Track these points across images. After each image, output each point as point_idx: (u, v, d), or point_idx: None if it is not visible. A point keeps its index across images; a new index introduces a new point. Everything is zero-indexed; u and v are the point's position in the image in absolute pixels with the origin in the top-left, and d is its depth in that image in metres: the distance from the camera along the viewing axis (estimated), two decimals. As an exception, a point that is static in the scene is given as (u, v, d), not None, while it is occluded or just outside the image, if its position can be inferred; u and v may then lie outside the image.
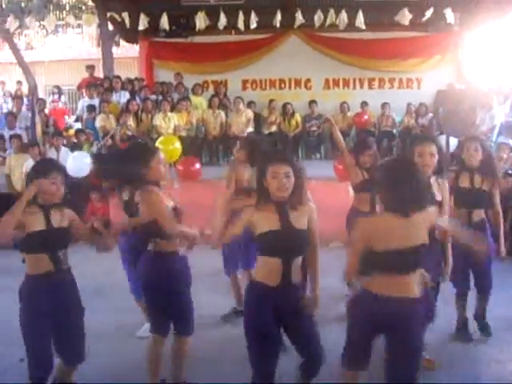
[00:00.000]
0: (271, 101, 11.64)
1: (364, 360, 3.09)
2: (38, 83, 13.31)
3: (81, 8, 15.43)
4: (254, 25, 11.38)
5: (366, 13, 11.24)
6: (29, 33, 18.71)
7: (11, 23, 11.44)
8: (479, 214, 4.43)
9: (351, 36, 12.03)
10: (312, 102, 11.70)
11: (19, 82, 14.60)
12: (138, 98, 11.13)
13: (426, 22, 11.87)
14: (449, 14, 11.20)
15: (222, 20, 11.33)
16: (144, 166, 3.57)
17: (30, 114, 10.33)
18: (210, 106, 11.10)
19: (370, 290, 2.98)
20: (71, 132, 10.48)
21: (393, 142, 10.91)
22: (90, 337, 3.60)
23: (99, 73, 13.95)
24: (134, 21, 11.48)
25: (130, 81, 12.11)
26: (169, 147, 8.23)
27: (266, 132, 11.39)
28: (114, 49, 14.58)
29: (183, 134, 10.24)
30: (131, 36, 13.46)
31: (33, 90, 11.84)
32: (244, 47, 12.52)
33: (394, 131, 11.29)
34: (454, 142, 7.91)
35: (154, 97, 11.30)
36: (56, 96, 14.34)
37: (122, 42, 15.79)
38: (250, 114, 10.98)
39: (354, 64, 12.60)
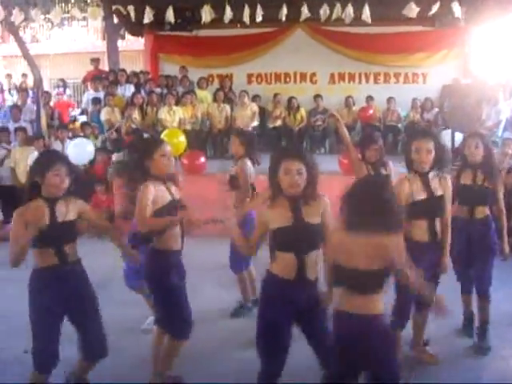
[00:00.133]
0: (276, 95, 11.62)
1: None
2: (43, 76, 13.28)
3: (86, 1, 15.37)
4: (259, 18, 11.32)
5: (373, 7, 11.17)
6: (34, 26, 18.74)
7: (17, 16, 11.40)
8: (482, 211, 4.38)
9: (357, 30, 11.97)
10: (317, 97, 11.67)
11: (24, 75, 14.61)
12: (142, 92, 11.13)
13: (432, 16, 11.80)
14: (456, 8, 11.12)
15: (228, 13, 11.28)
16: (147, 158, 3.57)
17: (35, 107, 10.33)
18: (215, 99, 11.08)
19: (337, 307, 2.95)
20: (77, 125, 10.48)
21: (398, 137, 10.87)
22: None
23: (104, 66, 13.96)
24: (140, 14, 11.44)
25: (135, 74, 12.11)
26: (173, 141, 8.23)
27: (271, 126, 11.39)
28: (119, 42, 14.60)
29: (188, 127, 10.23)
30: (136, 29, 13.43)
31: (38, 82, 11.84)
32: (249, 41, 12.48)
33: (400, 126, 11.27)
34: (459, 137, 7.87)
35: (158, 90, 11.29)
36: (61, 89, 14.35)
37: (127, 36, 15.79)
38: (255, 107, 10.96)
39: (360, 58, 12.55)
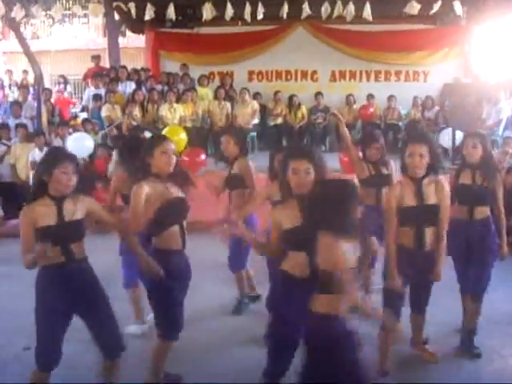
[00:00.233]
0: (277, 92, 11.62)
1: None
2: (43, 73, 13.24)
3: (87, -3, 15.37)
4: (260, 16, 11.32)
5: (374, 5, 11.16)
6: (35, 22, 18.70)
7: (17, 12, 11.39)
8: (482, 212, 4.29)
9: (358, 28, 11.96)
10: (318, 94, 11.67)
11: (25, 72, 14.60)
12: (143, 89, 11.12)
13: (433, 14, 11.80)
14: (457, 7, 11.11)
15: (229, 11, 11.28)
16: (148, 154, 3.56)
17: (35, 104, 10.33)
18: (215, 97, 11.07)
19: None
20: (79, 121, 10.47)
21: (398, 135, 10.86)
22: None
23: (105, 63, 13.95)
24: (141, 11, 11.44)
25: (136, 71, 12.09)
26: (174, 138, 8.21)
27: (272, 124, 11.39)
28: (120, 39, 14.56)
29: (189, 124, 10.23)
30: (137, 26, 13.43)
31: (38, 79, 11.82)
32: (250, 38, 12.48)
33: (400, 124, 11.27)
34: (460, 135, 7.87)
35: (159, 87, 11.29)
36: (62, 86, 14.34)
37: (128, 33, 15.74)
38: (255, 105, 10.96)
39: (361, 56, 12.54)
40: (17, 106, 10.51)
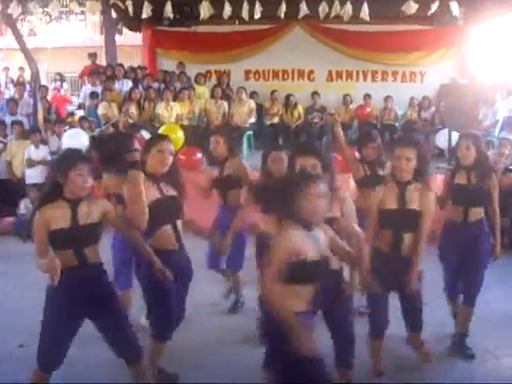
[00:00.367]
0: (274, 92, 11.62)
1: None
2: (40, 70, 13.22)
3: (84, -5, 15.33)
4: (258, 15, 11.30)
5: (371, 5, 11.15)
6: (32, 19, 18.61)
7: (14, 9, 11.34)
8: (476, 213, 4.26)
9: (355, 28, 11.94)
10: (315, 94, 11.67)
11: (21, 69, 14.57)
12: (140, 87, 11.11)
13: (431, 15, 11.81)
14: (454, 8, 11.12)
15: (227, 9, 11.25)
16: (145, 152, 3.55)
17: (31, 101, 10.32)
18: (212, 95, 11.06)
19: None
20: (76, 118, 10.46)
21: (395, 136, 10.88)
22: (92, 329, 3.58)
23: (102, 61, 13.92)
24: (138, 9, 11.40)
25: (133, 69, 12.07)
26: (171, 136, 8.18)
27: (268, 123, 11.40)
28: (117, 37, 14.56)
29: (185, 123, 10.22)
30: (134, 24, 13.37)
31: (35, 76, 11.79)
32: (248, 37, 12.46)
33: (397, 124, 11.28)
34: (456, 136, 7.89)
35: (156, 85, 11.27)
36: (58, 83, 14.31)
37: (125, 30, 15.72)
38: (252, 104, 10.96)
39: (358, 56, 12.54)
40: (13, 103, 10.48)
